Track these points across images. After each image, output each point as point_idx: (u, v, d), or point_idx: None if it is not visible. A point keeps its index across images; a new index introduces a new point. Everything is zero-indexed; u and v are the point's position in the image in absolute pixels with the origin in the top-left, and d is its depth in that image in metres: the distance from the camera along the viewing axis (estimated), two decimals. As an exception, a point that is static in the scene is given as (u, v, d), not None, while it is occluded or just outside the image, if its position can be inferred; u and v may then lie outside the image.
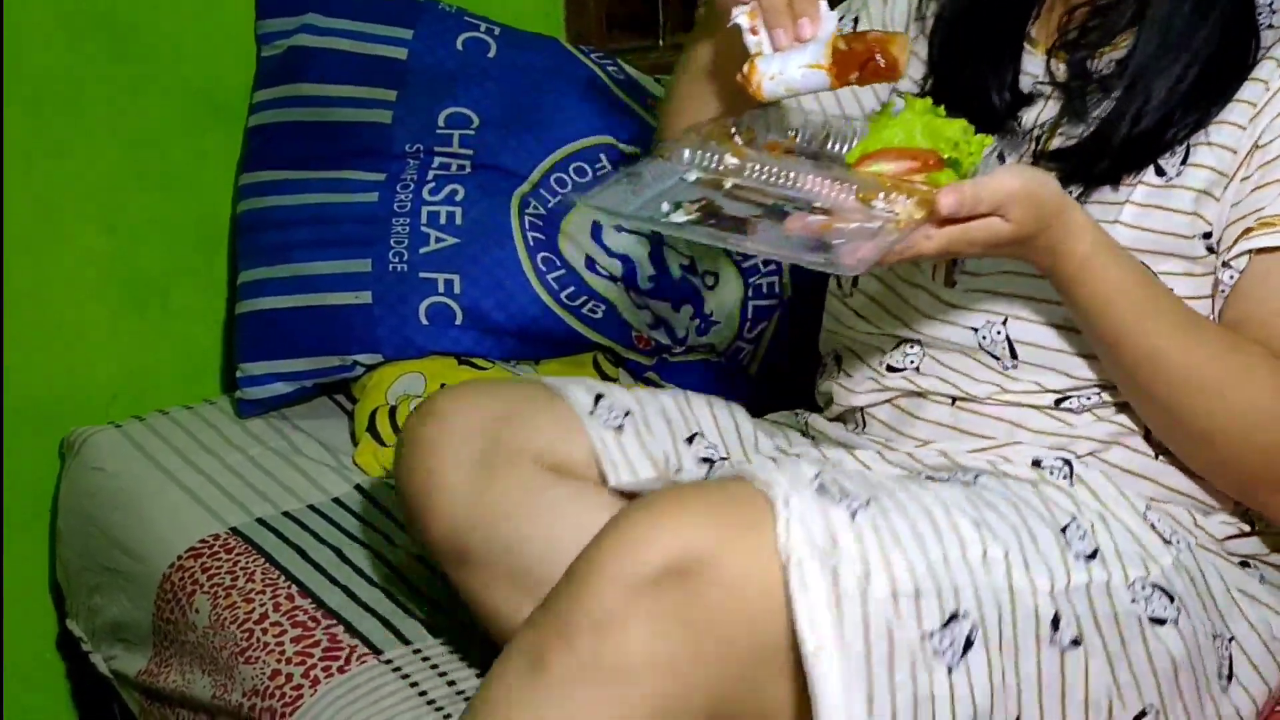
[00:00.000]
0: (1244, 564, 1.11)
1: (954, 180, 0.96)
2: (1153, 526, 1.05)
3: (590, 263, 1.67)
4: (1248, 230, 1.03)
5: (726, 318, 1.68)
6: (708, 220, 0.96)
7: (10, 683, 1.74)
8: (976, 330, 1.12)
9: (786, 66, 1.03)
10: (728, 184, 1.00)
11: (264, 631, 1.30)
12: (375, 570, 1.38)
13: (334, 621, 1.30)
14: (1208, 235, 1.06)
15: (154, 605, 1.43)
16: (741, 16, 1.04)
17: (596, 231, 1.68)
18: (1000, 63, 1.15)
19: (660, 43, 2.08)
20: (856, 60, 1.02)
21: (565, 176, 1.69)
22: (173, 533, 1.46)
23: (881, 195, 0.96)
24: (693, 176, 1.01)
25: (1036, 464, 1.08)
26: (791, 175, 0.99)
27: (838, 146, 1.06)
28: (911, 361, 1.16)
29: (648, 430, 1.15)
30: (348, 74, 1.69)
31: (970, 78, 1.15)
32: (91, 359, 1.73)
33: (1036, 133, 1.12)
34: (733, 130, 1.07)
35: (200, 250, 1.78)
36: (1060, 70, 1.13)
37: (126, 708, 1.53)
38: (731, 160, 1.02)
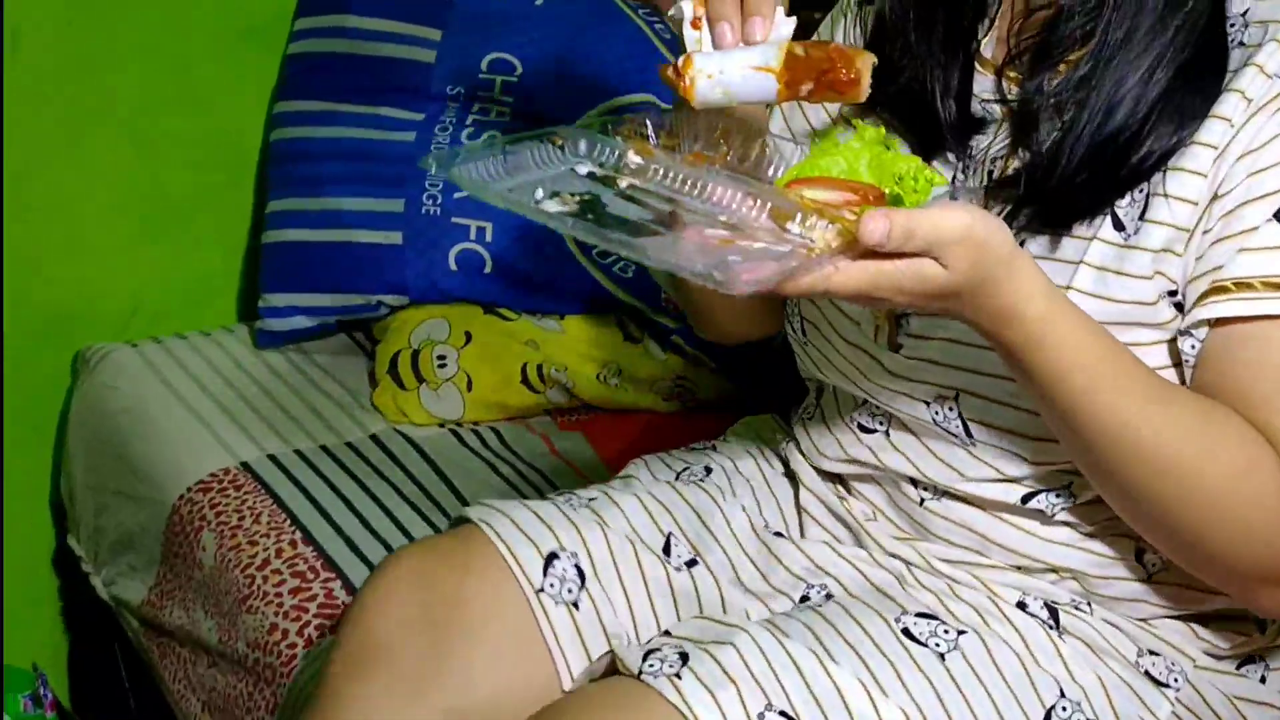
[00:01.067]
0: (1245, 661, 1.04)
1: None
2: (1146, 673, 0.99)
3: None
4: (1203, 295, 0.92)
5: (757, 288, 1.65)
6: (585, 215, 0.84)
7: (6, 597, 1.75)
8: (929, 405, 1.01)
9: (727, 66, 0.88)
10: (623, 184, 0.86)
11: (264, 580, 1.29)
12: (379, 523, 1.37)
13: (332, 575, 1.29)
14: (1173, 294, 0.94)
15: (163, 536, 1.43)
16: (686, 3, 0.89)
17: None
18: (948, 81, 1.01)
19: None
20: (813, 69, 0.88)
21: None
22: (184, 461, 1.45)
23: (799, 218, 0.81)
24: (584, 169, 0.88)
25: (1021, 606, 1.02)
26: (699, 184, 0.84)
27: (773, 170, 0.93)
28: (881, 424, 1.08)
29: (605, 596, 1.03)
30: (394, 9, 1.65)
31: (914, 97, 1.01)
32: (109, 276, 1.71)
33: (989, 160, 1.00)
34: (649, 130, 0.94)
35: (226, 175, 1.75)
36: (1012, 91, 1.00)
37: (121, 631, 1.53)
38: (634, 159, 0.87)
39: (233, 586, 1.30)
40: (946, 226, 0.81)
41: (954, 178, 1.01)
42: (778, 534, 1.13)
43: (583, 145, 0.89)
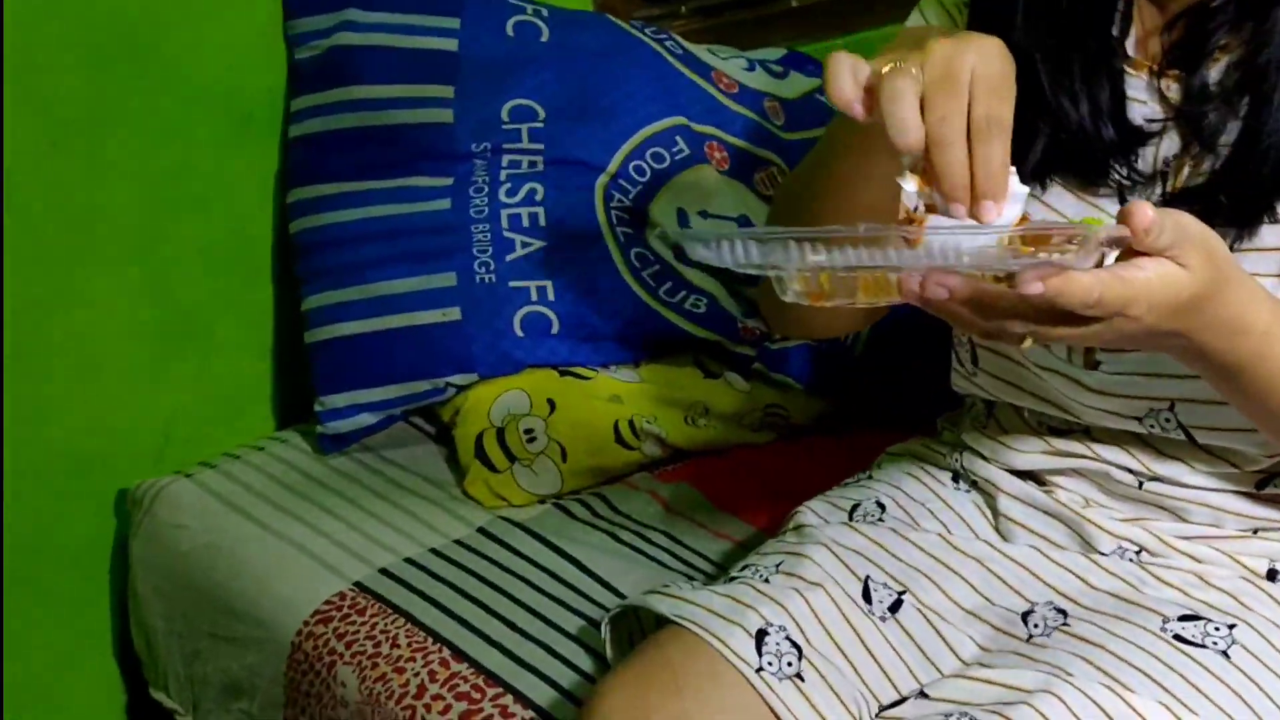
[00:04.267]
0: None
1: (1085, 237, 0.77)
2: None
3: (679, 252, 1.56)
4: None
5: (825, 298, 1.59)
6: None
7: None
8: (1141, 420, 0.99)
9: (959, 246, 0.80)
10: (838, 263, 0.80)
11: (427, 709, 1.19)
12: (523, 620, 1.28)
13: (500, 690, 1.19)
14: None
15: (284, 677, 1.32)
16: (909, 181, 0.82)
17: (683, 218, 1.57)
18: (1096, 93, 0.97)
19: (682, 9, 1.97)
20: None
21: (643, 164, 1.57)
22: (290, 593, 1.34)
23: (1017, 259, 0.77)
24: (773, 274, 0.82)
25: (1271, 576, 0.99)
26: (910, 258, 0.79)
27: None
28: (1077, 425, 1.04)
29: (826, 663, 0.98)
30: (400, 72, 1.55)
31: (1065, 117, 0.97)
32: (135, 405, 1.59)
33: (1161, 169, 0.97)
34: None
35: (240, 276, 1.64)
36: (1173, 91, 0.97)
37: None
38: (812, 257, 0.80)
39: (391, 721, 1.21)
40: (1187, 221, 0.77)
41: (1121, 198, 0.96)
42: (980, 549, 1.08)
43: (753, 252, 0.80)
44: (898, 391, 1.58)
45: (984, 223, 0.81)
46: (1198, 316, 0.80)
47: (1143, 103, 0.98)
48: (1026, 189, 0.82)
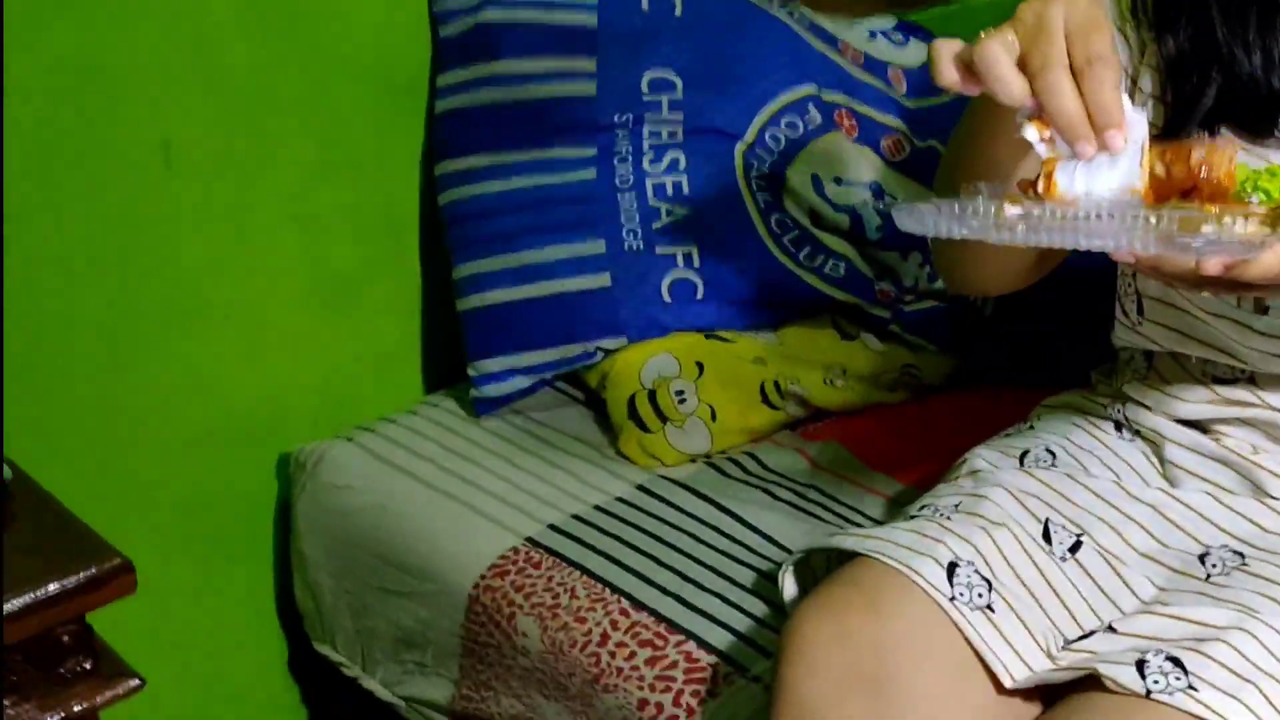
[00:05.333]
0: None
1: (1266, 211, 0.82)
2: None
3: (816, 218, 1.61)
4: None
5: (954, 260, 1.63)
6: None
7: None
8: None
9: (1093, 185, 0.86)
10: (1020, 228, 0.86)
11: (611, 655, 1.25)
12: (694, 571, 1.33)
13: (682, 637, 1.25)
14: None
15: (461, 628, 1.38)
16: (1029, 130, 0.87)
17: (818, 185, 1.61)
18: (1270, 45, 1.00)
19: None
20: (1178, 187, 0.87)
21: (778, 132, 1.62)
22: (462, 549, 1.40)
23: (1210, 223, 0.82)
24: (975, 223, 0.87)
25: None
26: (1091, 215, 0.84)
27: None
28: (1241, 374, 1.09)
29: (1014, 596, 1.03)
30: (544, 46, 1.60)
31: (1237, 66, 1.01)
32: (295, 370, 1.65)
33: None
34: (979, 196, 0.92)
35: (389, 245, 1.69)
36: None
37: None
38: (1011, 209, 0.87)
39: (576, 668, 1.26)
40: None
41: None
42: (1152, 495, 1.12)
43: (955, 207, 0.88)
44: (1026, 349, 1.62)
45: (1113, 151, 0.85)
46: None
47: None
48: (1144, 111, 0.86)
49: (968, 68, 0.86)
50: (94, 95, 1.44)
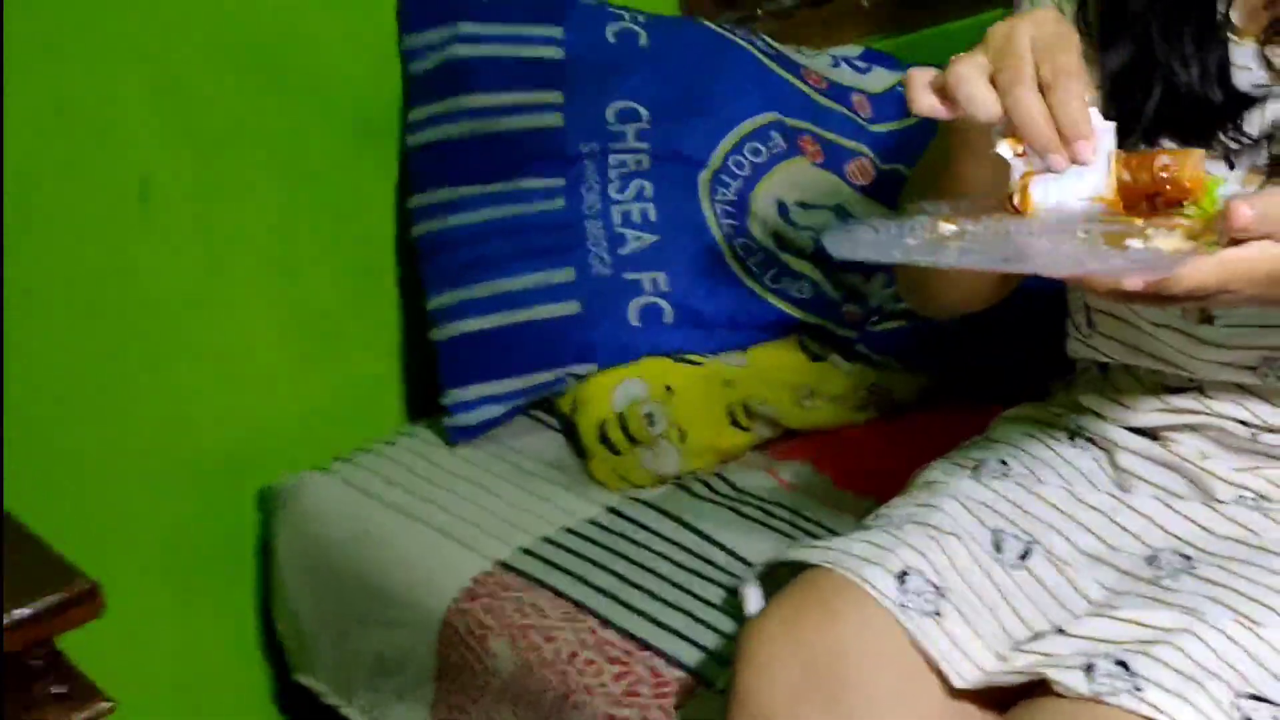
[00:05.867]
0: None
1: (1199, 222, 0.85)
2: None
3: (781, 241, 1.64)
4: None
5: (919, 281, 1.66)
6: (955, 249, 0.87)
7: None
8: (1255, 369, 1.06)
9: (1064, 195, 0.89)
10: (953, 247, 0.88)
11: (580, 672, 1.28)
12: (662, 589, 1.36)
13: (649, 652, 1.28)
14: None
15: (435, 652, 1.40)
16: (1004, 147, 0.89)
17: (783, 209, 1.65)
18: (1205, 59, 1.04)
19: (759, 11, 2.05)
20: (1144, 192, 0.89)
21: (742, 158, 1.65)
22: (437, 574, 1.43)
23: (1136, 237, 0.85)
24: (911, 242, 0.90)
25: None
26: (1021, 233, 0.88)
27: None
28: (1191, 383, 1.11)
29: (964, 602, 1.05)
30: (512, 80, 1.64)
31: (1175, 78, 1.04)
32: (272, 404, 1.68)
33: (1267, 133, 1.03)
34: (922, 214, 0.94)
35: (365, 280, 1.73)
36: (1279, 59, 1.03)
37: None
38: (946, 227, 0.90)
39: (547, 685, 1.29)
40: None
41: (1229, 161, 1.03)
42: (1102, 500, 1.14)
43: (892, 228, 0.91)
44: (992, 366, 1.64)
45: (1083, 162, 0.87)
46: None
47: (1250, 70, 1.04)
48: (1111, 123, 0.88)
49: (942, 92, 0.90)
50: (72, 134, 1.48)
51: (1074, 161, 0.87)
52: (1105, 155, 0.88)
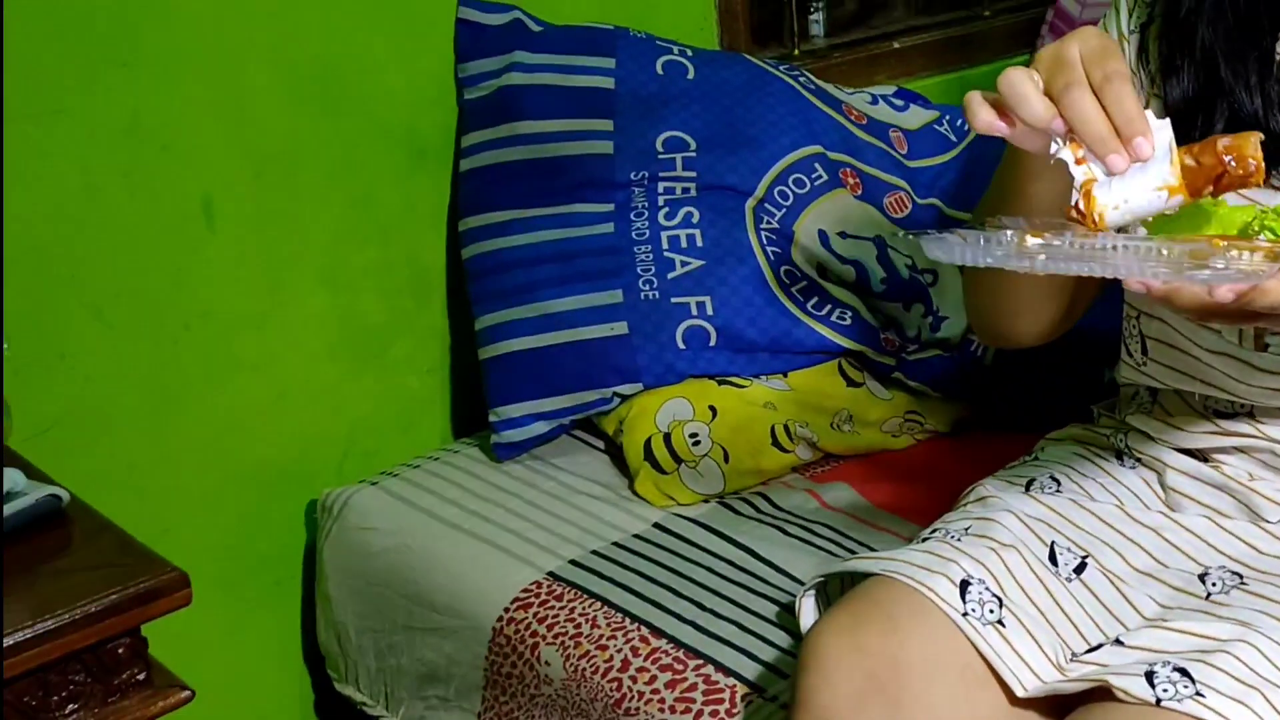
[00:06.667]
0: None
1: (1275, 245, 0.88)
2: None
3: (823, 270, 1.68)
4: None
5: (956, 312, 1.70)
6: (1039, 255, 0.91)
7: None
8: None
9: (1131, 195, 0.91)
10: (1040, 257, 0.92)
11: (633, 680, 1.30)
12: (712, 601, 1.39)
13: (701, 661, 1.31)
14: None
15: (485, 660, 1.43)
16: (1064, 152, 0.92)
17: (824, 239, 1.69)
18: (1269, 89, 1.07)
19: (795, 52, 2.11)
20: (1208, 175, 0.91)
21: (786, 189, 1.70)
22: (486, 584, 1.46)
23: (1219, 256, 0.87)
24: (999, 252, 0.93)
25: None
26: (1107, 246, 0.90)
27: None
28: (1242, 408, 1.14)
29: (1024, 613, 1.08)
30: (565, 108, 1.69)
31: (1240, 105, 1.08)
32: (321, 420, 1.72)
33: None
34: (1004, 229, 0.96)
35: (414, 300, 1.77)
36: None
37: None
38: (1032, 240, 0.93)
39: (599, 694, 1.31)
40: None
41: None
42: (1153, 518, 1.18)
43: (980, 240, 0.94)
44: (1027, 397, 1.68)
45: (1142, 158, 0.89)
46: None
47: None
48: (1166, 120, 0.91)
49: (999, 109, 0.93)
50: (139, 154, 1.53)
51: (1134, 159, 0.89)
52: (1166, 148, 0.90)
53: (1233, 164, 0.90)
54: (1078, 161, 0.92)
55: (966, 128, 1.84)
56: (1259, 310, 0.89)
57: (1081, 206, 0.92)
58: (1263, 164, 0.90)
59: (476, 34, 1.72)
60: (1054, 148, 0.93)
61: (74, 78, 1.46)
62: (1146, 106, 0.92)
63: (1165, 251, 0.89)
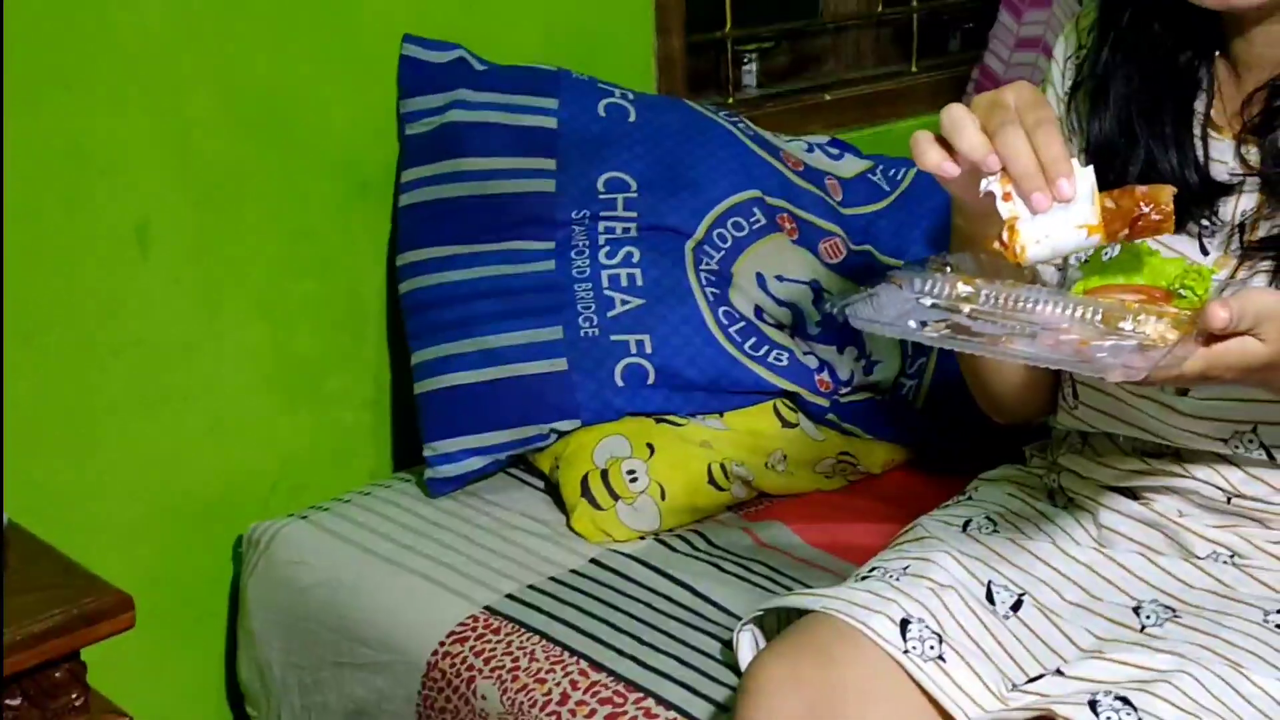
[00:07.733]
0: None
1: (1185, 312, 0.94)
2: None
3: (759, 312, 1.71)
4: None
5: (888, 355, 1.74)
6: (956, 336, 0.97)
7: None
8: (1226, 441, 1.12)
9: (1052, 230, 0.97)
10: (965, 309, 0.99)
11: (572, 714, 1.30)
12: (650, 635, 1.39)
13: (641, 694, 1.31)
14: None
15: (418, 695, 1.42)
16: (993, 185, 0.97)
17: (761, 281, 1.71)
18: (1184, 153, 1.14)
19: (730, 100, 2.15)
20: (1126, 217, 0.98)
21: (725, 231, 1.73)
22: (421, 618, 1.45)
23: (1128, 319, 0.94)
24: (928, 302, 1.00)
25: None
26: (1028, 302, 0.97)
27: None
28: (1167, 448, 1.18)
29: (964, 648, 1.10)
30: (507, 146, 1.70)
31: (1156, 161, 1.14)
32: (251, 453, 1.70)
33: (1240, 221, 1.12)
34: (946, 267, 1.04)
35: (350, 334, 1.76)
36: (1253, 155, 1.12)
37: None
38: (963, 288, 1.00)
39: (537, 728, 1.31)
40: (1267, 305, 0.92)
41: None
42: (1086, 554, 1.20)
43: (915, 283, 1.01)
44: (958, 439, 1.71)
45: (1063, 198, 0.95)
46: (1274, 373, 0.94)
47: (1224, 162, 1.14)
48: (1089, 167, 0.97)
49: (945, 146, 0.98)
50: (76, 176, 1.51)
51: (1056, 198, 0.95)
52: (1089, 190, 0.97)
53: (1149, 210, 0.97)
54: (1005, 198, 0.97)
55: (899, 177, 1.88)
56: (1159, 381, 0.94)
57: (1005, 238, 0.97)
58: (1172, 215, 0.98)
59: (420, 71, 1.73)
60: (985, 183, 0.98)
61: (16, 98, 1.44)
62: (1074, 156, 0.98)
63: (1080, 312, 0.95)
